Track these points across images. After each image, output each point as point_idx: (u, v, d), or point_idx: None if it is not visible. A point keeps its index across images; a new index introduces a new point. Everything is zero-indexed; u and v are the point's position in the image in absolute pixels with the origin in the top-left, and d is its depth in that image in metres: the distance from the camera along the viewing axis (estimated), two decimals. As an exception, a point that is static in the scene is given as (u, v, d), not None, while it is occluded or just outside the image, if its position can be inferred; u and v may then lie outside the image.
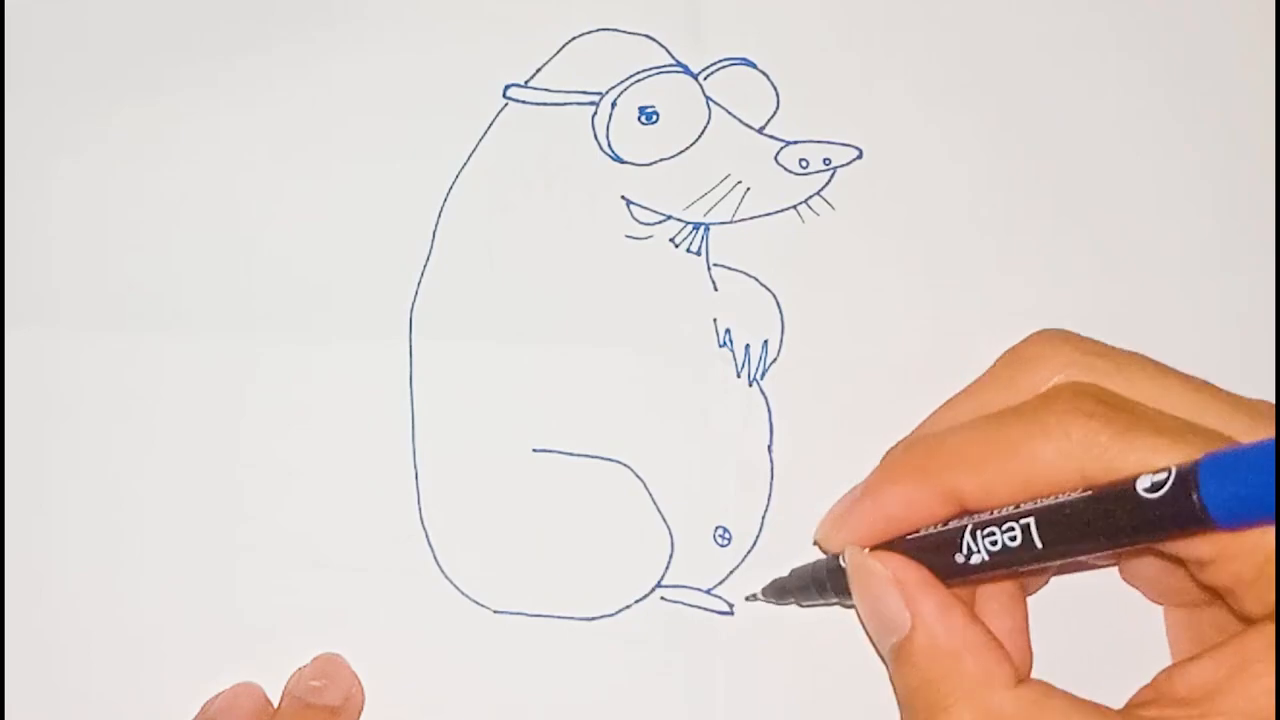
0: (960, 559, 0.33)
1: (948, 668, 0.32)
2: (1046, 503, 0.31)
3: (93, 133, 0.41)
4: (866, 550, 0.34)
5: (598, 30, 0.42)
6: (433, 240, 0.41)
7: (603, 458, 0.39)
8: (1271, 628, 0.30)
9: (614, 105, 0.41)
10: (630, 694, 0.38)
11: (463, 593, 0.39)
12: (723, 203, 0.41)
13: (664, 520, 0.39)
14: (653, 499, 0.39)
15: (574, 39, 0.42)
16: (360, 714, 0.38)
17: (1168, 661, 0.36)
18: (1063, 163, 0.41)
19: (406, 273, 0.40)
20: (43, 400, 0.40)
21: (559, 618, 0.39)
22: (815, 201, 0.41)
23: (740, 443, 0.39)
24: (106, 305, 0.40)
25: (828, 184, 0.41)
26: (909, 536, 0.34)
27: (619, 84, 0.41)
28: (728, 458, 0.39)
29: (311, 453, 0.40)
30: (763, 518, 0.39)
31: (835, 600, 0.36)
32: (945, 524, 0.33)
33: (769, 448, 0.39)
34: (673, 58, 0.41)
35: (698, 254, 0.40)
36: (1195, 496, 0.28)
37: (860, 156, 0.41)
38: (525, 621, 0.39)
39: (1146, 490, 0.29)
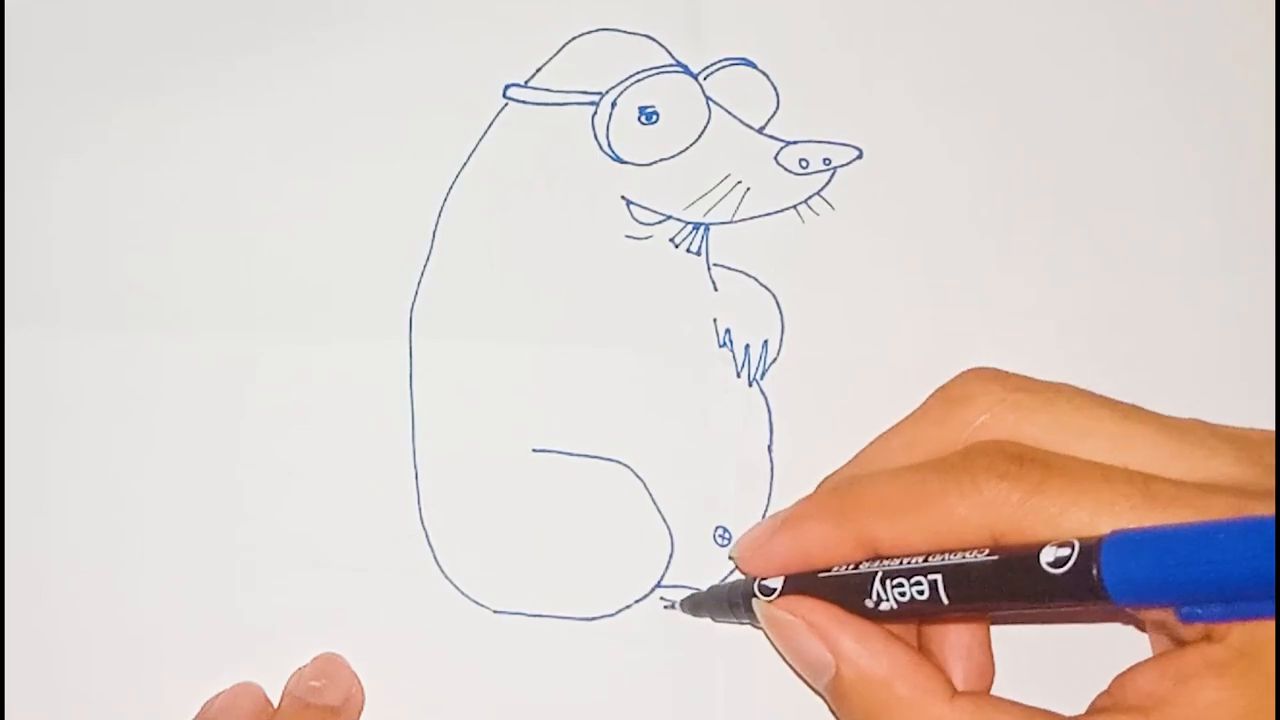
0: (870, 604, 0.33)
1: (881, 696, 0.33)
2: (954, 560, 0.32)
3: (93, 133, 0.41)
4: (775, 599, 0.35)
5: (598, 30, 0.42)
6: (433, 240, 0.41)
7: (603, 458, 0.39)
8: (1207, 648, 0.30)
9: (614, 105, 0.41)
10: (630, 694, 0.38)
11: (463, 593, 0.39)
12: (723, 203, 0.41)
13: (664, 520, 0.39)
14: (653, 499, 0.39)
15: (574, 39, 0.41)
16: (360, 714, 0.38)
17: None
18: (1063, 163, 0.41)
19: (406, 273, 0.40)
20: (43, 400, 0.40)
21: (559, 618, 0.39)
22: (815, 201, 0.41)
23: (740, 443, 0.39)
24: (106, 305, 0.40)
25: (828, 184, 0.41)
26: (821, 575, 0.34)
27: (619, 84, 0.41)
28: (728, 458, 0.39)
29: (311, 453, 0.40)
30: (763, 518, 0.39)
31: (747, 622, 0.37)
32: (857, 566, 0.34)
33: (769, 448, 0.39)
34: (673, 58, 0.41)
35: (698, 254, 0.40)
36: (1095, 573, 0.29)
37: (860, 156, 0.41)
38: (525, 621, 0.39)
39: (1050, 565, 0.30)
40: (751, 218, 0.41)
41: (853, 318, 0.40)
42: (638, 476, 0.39)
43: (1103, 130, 0.41)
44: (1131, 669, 0.32)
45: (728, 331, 0.40)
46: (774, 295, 0.40)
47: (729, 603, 0.37)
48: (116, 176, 0.41)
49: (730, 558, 0.37)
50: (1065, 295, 0.40)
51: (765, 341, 0.40)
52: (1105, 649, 0.35)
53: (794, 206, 0.41)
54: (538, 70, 0.41)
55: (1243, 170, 0.41)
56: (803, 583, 0.35)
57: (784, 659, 0.36)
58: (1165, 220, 0.41)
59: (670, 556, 0.39)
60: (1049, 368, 0.39)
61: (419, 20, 0.42)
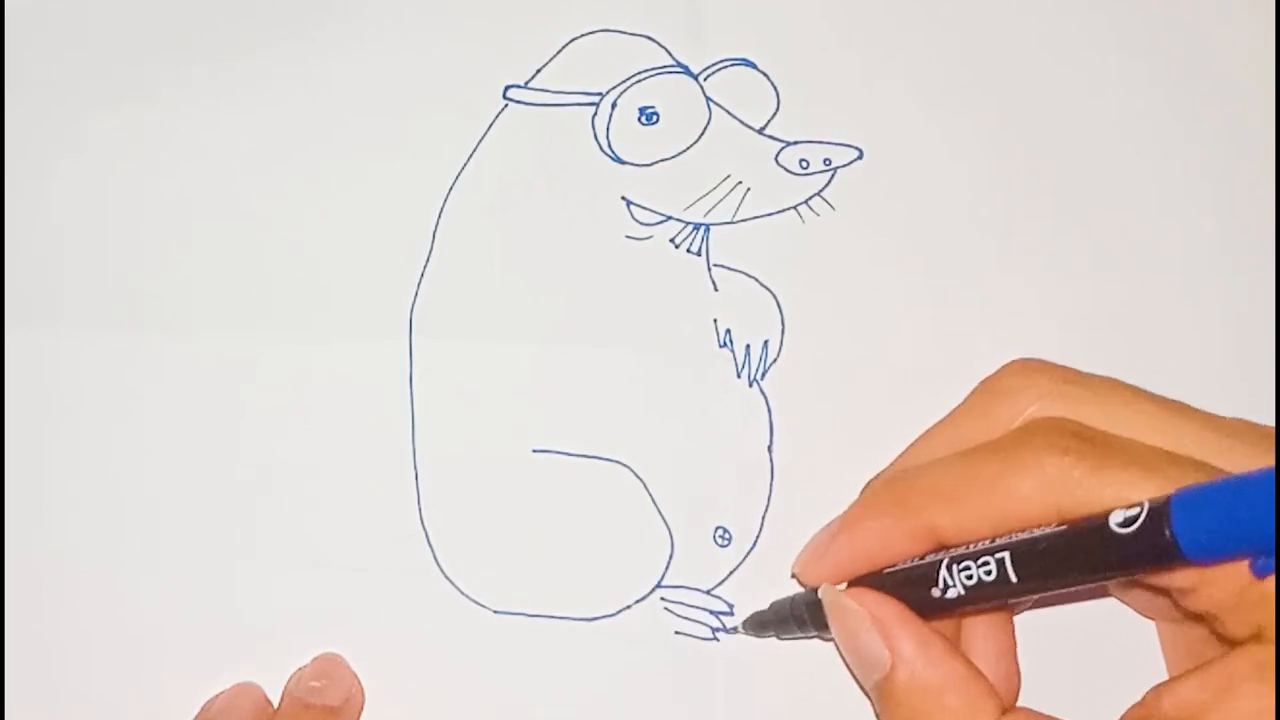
0: (937, 593, 0.33)
1: (931, 704, 0.32)
2: (1021, 537, 0.31)
3: (93, 133, 0.41)
4: (842, 588, 0.34)
5: (598, 31, 0.42)
6: (433, 240, 0.41)
7: (603, 458, 0.39)
8: (1257, 650, 0.30)
9: (614, 106, 0.41)
10: (630, 694, 0.38)
11: (463, 593, 0.39)
12: (723, 203, 0.41)
13: (664, 520, 0.39)
14: (653, 499, 0.39)
15: (574, 40, 0.42)
16: (360, 714, 0.38)
17: (1163, 676, 0.36)
18: (1063, 163, 0.41)
19: (406, 273, 0.40)
20: (43, 400, 0.40)
21: (559, 618, 0.39)
22: (815, 202, 0.41)
23: (740, 443, 0.39)
24: (106, 305, 0.40)
25: (828, 184, 0.41)
26: (885, 571, 0.34)
27: (619, 84, 0.41)
28: (728, 458, 0.39)
29: (311, 453, 0.40)
30: (763, 518, 0.39)
31: (815, 634, 0.36)
32: (922, 559, 0.33)
33: (769, 448, 0.39)
34: (673, 58, 0.41)
35: (698, 254, 0.40)
36: (1167, 532, 0.29)
37: (860, 157, 0.41)
38: (525, 621, 0.39)
39: (1119, 525, 0.29)
40: (752, 218, 0.41)
41: (853, 318, 0.40)
42: (638, 476, 0.39)
43: (1103, 130, 0.41)
44: (1170, 681, 0.31)
45: (728, 331, 0.40)
46: (774, 295, 0.40)
47: (792, 615, 0.36)
48: (117, 176, 0.41)
49: (793, 575, 0.37)
50: (1065, 295, 0.40)
51: (765, 341, 0.40)
52: (1135, 662, 0.35)
53: (794, 207, 0.41)
54: (538, 71, 0.41)
55: (1243, 170, 0.41)
56: (868, 583, 0.34)
57: (838, 651, 0.35)
58: (1165, 220, 0.41)
59: (670, 556, 0.39)
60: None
61: (419, 20, 0.42)
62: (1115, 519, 0.30)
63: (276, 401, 0.40)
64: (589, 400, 0.40)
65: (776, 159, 0.41)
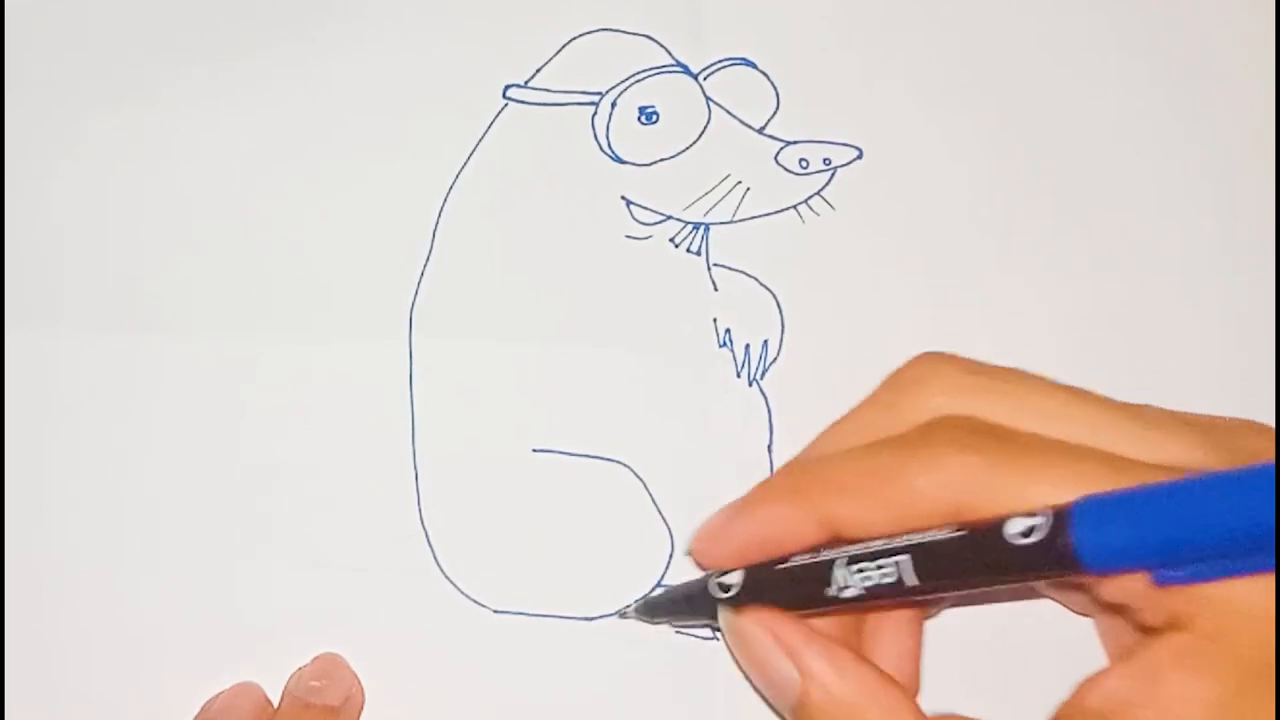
0: (833, 591, 0.32)
1: (850, 718, 0.32)
2: (919, 539, 0.31)
3: (93, 133, 0.41)
4: (740, 609, 0.34)
5: (598, 30, 0.42)
6: (433, 240, 0.41)
7: (603, 458, 0.39)
8: (1175, 637, 0.29)
9: (614, 105, 0.41)
10: (630, 694, 0.38)
11: (463, 593, 0.39)
12: (723, 203, 0.41)
13: (664, 520, 0.39)
14: (653, 499, 0.39)
15: (574, 39, 0.42)
16: (360, 714, 0.38)
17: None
18: (1063, 163, 0.41)
19: (406, 272, 0.40)
20: (43, 400, 0.40)
21: (559, 618, 0.39)
22: (815, 201, 0.41)
23: (740, 443, 0.39)
24: (106, 305, 0.40)
25: (828, 184, 0.41)
26: (780, 566, 0.33)
27: (619, 84, 0.41)
28: (728, 458, 0.39)
29: (311, 453, 0.40)
30: (762, 518, 0.39)
31: (707, 624, 0.36)
32: (818, 552, 0.33)
33: (769, 448, 0.39)
34: (673, 58, 0.41)
35: (698, 254, 0.40)
36: (1068, 543, 0.28)
37: (860, 156, 0.41)
38: (525, 621, 0.39)
39: (1020, 535, 0.29)
40: (751, 218, 0.41)
41: (853, 318, 0.40)
42: (638, 476, 0.39)
43: (1103, 130, 0.41)
44: (1095, 676, 0.31)
45: (728, 331, 0.40)
46: (774, 295, 0.40)
47: (687, 603, 0.36)
48: (116, 176, 0.41)
49: (687, 553, 0.37)
50: (1065, 295, 0.40)
51: (765, 341, 0.40)
52: (1066, 655, 0.34)
53: (794, 206, 0.41)
54: (538, 70, 0.41)
55: (1243, 170, 0.41)
56: (762, 575, 0.34)
57: (742, 672, 0.35)
58: (1165, 220, 0.41)
59: (670, 556, 0.39)
60: (1049, 368, 0.39)
61: (419, 20, 0.42)
62: (1014, 528, 0.29)
63: (276, 401, 0.40)
64: (589, 400, 0.40)
65: (776, 159, 0.41)
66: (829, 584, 0.32)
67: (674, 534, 0.39)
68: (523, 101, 0.41)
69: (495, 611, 0.39)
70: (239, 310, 0.40)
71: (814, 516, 0.32)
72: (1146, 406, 0.32)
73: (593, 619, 0.39)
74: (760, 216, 0.41)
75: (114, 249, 0.41)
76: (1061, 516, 0.28)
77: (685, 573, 0.39)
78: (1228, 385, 0.39)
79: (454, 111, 0.41)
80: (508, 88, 0.41)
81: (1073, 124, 0.41)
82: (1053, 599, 0.37)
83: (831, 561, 0.32)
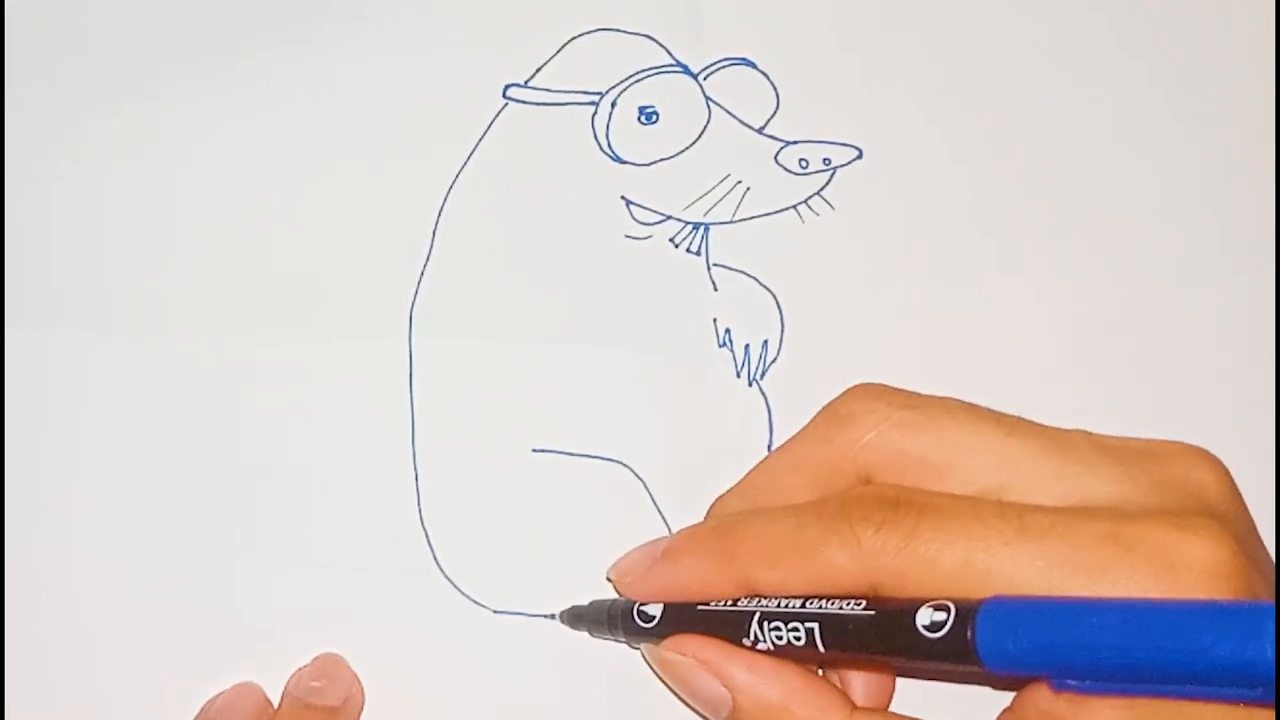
0: (747, 643, 0.33)
1: None
2: (831, 609, 0.32)
3: (93, 133, 0.41)
4: (660, 640, 0.35)
5: (598, 30, 0.42)
6: (433, 240, 0.41)
7: (603, 458, 0.39)
8: None
9: (614, 105, 0.41)
10: (630, 694, 0.38)
11: (463, 593, 0.39)
12: (723, 203, 0.41)
13: (664, 520, 0.39)
14: (653, 499, 0.39)
15: (574, 39, 0.42)
16: (360, 714, 0.38)
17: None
18: (1063, 163, 0.41)
19: (406, 272, 0.40)
20: (43, 400, 0.40)
21: (559, 618, 0.39)
22: (815, 201, 0.41)
23: (740, 443, 0.39)
24: (106, 306, 0.40)
25: (828, 184, 0.41)
26: (700, 607, 0.35)
27: (619, 84, 0.41)
28: (728, 458, 0.39)
29: (311, 453, 0.40)
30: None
31: (624, 640, 0.37)
32: (735, 602, 0.34)
33: (769, 448, 0.39)
34: (673, 58, 0.41)
35: (698, 254, 0.40)
36: (970, 640, 0.29)
37: (860, 156, 0.41)
38: (525, 621, 0.39)
39: (926, 628, 0.30)
40: (751, 218, 0.41)
41: (852, 318, 0.40)
42: (638, 476, 0.39)
43: (1103, 130, 0.41)
44: (1035, 685, 0.31)
45: (728, 331, 0.40)
46: (774, 295, 0.40)
47: (608, 621, 0.37)
48: (116, 176, 0.41)
49: (608, 578, 0.37)
50: (1065, 295, 0.40)
51: (765, 341, 0.40)
52: None
53: (794, 206, 0.41)
54: (538, 70, 0.41)
55: (1243, 170, 0.41)
56: (682, 611, 0.35)
57: (676, 695, 0.36)
58: (1165, 220, 0.41)
59: (670, 556, 0.39)
60: (1048, 368, 0.39)
61: (419, 20, 0.42)
62: (922, 619, 0.30)
63: (276, 401, 0.40)
64: (589, 400, 0.40)
65: (776, 158, 0.41)
66: (745, 635, 0.33)
67: (674, 534, 0.39)
68: (523, 101, 0.41)
69: (495, 611, 0.39)
70: (239, 310, 0.40)
71: (733, 576, 0.34)
72: (1070, 433, 0.33)
73: (593, 619, 0.39)
74: (760, 216, 0.41)
75: (114, 249, 0.41)
76: (964, 615, 0.29)
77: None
78: (1227, 386, 0.39)
79: (454, 111, 0.41)
80: (508, 88, 0.41)
81: (1073, 124, 0.41)
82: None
83: (749, 614, 0.33)
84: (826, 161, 0.41)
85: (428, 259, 0.41)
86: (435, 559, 0.39)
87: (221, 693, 0.38)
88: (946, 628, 0.29)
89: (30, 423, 0.40)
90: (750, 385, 0.40)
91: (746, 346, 0.40)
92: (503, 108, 0.41)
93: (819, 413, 0.35)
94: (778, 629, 0.33)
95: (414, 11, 0.42)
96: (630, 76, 0.41)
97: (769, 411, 0.40)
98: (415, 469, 0.39)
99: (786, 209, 0.41)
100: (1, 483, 0.39)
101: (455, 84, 0.41)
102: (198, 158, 0.41)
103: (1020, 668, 0.29)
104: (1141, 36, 0.42)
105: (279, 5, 0.42)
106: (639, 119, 0.41)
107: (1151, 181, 0.41)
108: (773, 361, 0.40)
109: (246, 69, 0.42)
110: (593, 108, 0.41)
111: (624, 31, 0.42)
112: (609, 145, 0.41)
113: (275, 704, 0.38)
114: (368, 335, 0.40)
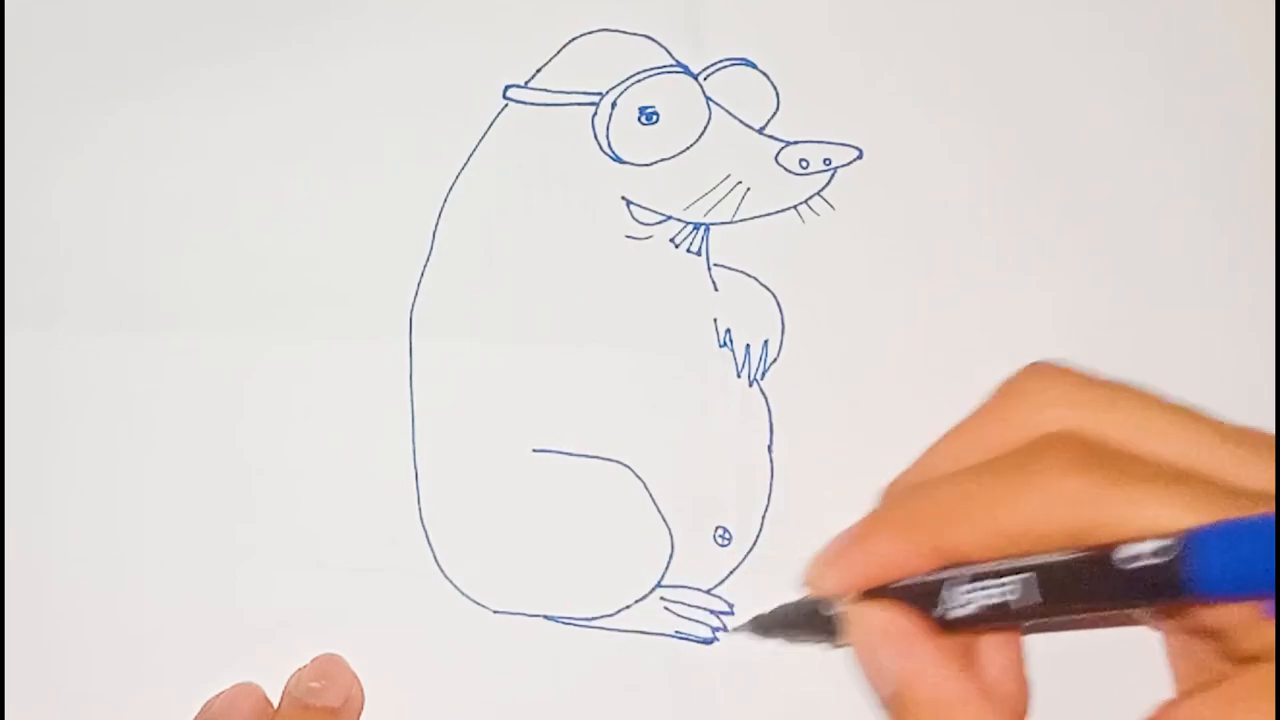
0: (943, 612, 0.32)
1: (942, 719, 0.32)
2: (1030, 562, 0.31)
3: (93, 133, 0.41)
4: (861, 599, 0.34)
5: (598, 30, 0.42)
6: (433, 240, 0.41)
7: (603, 458, 0.39)
8: (1266, 667, 0.29)
9: (614, 105, 0.41)
10: (630, 694, 0.38)
11: (463, 593, 0.39)
12: (723, 203, 0.41)
13: (664, 520, 0.39)
14: (653, 499, 0.39)
15: (574, 39, 0.42)
16: (360, 714, 0.38)
17: (1168, 687, 0.36)
18: (1063, 163, 0.41)
19: (406, 273, 0.40)
20: (43, 400, 0.40)
21: (559, 618, 0.39)
22: (815, 201, 0.41)
23: (740, 443, 0.39)
24: (107, 305, 0.40)
25: (828, 184, 0.41)
26: (894, 585, 0.34)
27: (619, 84, 0.41)
28: (728, 458, 0.39)
29: (311, 453, 0.40)
30: (763, 518, 0.39)
31: (819, 639, 0.36)
32: (931, 574, 0.33)
33: (769, 448, 0.39)
34: (673, 58, 0.41)
35: (698, 254, 0.40)
36: (1181, 572, 0.28)
37: (860, 156, 0.41)
38: (525, 621, 0.39)
39: (1132, 560, 0.29)
40: (752, 218, 0.41)
41: (853, 318, 0.40)
42: (638, 476, 0.39)
43: (1103, 130, 0.41)
44: (1177, 700, 0.31)
45: (728, 331, 0.40)
46: (774, 295, 0.40)
47: (797, 620, 0.36)
48: (117, 176, 0.41)
49: (804, 584, 0.37)
50: (1065, 295, 0.40)
51: (765, 341, 0.40)
52: (1147, 677, 0.35)
53: (794, 206, 0.41)
54: (538, 71, 0.41)
55: (1243, 170, 0.41)
56: (875, 594, 0.34)
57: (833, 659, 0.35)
58: (1165, 220, 0.41)
59: (670, 556, 0.39)
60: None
61: (419, 20, 0.42)
62: (1127, 552, 0.29)
63: (276, 401, 0.40)
64: (589, 400, 0.40)
65: (776, 159, 0.41)
66: (941, 604, 0.32)
67: (674, 534, 0.39)
68: (523, 102, 0.41)
69: (495, 611, 0.39)
70: (239, 310, 0.40)
71: (926, 546, 0.33)
72: (1250, 429, 0.32)
73: (593, 619, 0.39)
74: (760, 216, 0.41)
75: (114, 249, 0.41)
76: (1176, 545, 0.28)
77: (684, 573, 0.39)
78: (1228, 385, 0.39)
79: (454, 111, 0.41)
80: (508, 88, 0.41)
81: (1073, 124, 0.41)
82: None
83: (942, 582, 0.32)
84: (827, 162, 0.41)
85: (427, 259, 0.41)
86: (435, 559, 0.39)
87: (221, 693, 0.38)
88: (1154, 558, 0.28)
89: (30, 423, 0.40)
90: (750, 385, 0.40)
91: (747, 346, 0.40)
92: (503, 108, 0.41)
93: (995, 391, 0.34)
94: (975, 591, 0.31)
95: (414, 12, 0.42)
96: (630, 77, 0.41)
97: (769, 411, 0.40)
98: (415, 469, 0.39)
99: (787, 209, 0.41)
100: (1, 483, 0.39)
101: (455, 84, 0.41)
102: (197, 158, 0.41)
103: (1237, 591, 0.28)
104: (1141, 36, 0.42)
105: (279, 5, 0.42)
106: (639, 119, 0.41)
107: (1152, 181, 0.41)
108: (773, 361, 0.40)
109: (247, 69, 0.42)
110: (593, 108, 0.41)
111: (624, 32, 0.42)
112: (609, 145, 0.41)
113: (275, 704, 0.38)
114: (367, 335, 0.40)
